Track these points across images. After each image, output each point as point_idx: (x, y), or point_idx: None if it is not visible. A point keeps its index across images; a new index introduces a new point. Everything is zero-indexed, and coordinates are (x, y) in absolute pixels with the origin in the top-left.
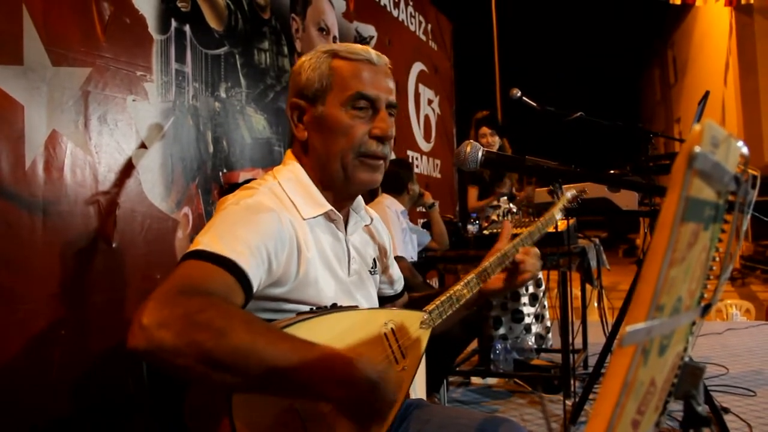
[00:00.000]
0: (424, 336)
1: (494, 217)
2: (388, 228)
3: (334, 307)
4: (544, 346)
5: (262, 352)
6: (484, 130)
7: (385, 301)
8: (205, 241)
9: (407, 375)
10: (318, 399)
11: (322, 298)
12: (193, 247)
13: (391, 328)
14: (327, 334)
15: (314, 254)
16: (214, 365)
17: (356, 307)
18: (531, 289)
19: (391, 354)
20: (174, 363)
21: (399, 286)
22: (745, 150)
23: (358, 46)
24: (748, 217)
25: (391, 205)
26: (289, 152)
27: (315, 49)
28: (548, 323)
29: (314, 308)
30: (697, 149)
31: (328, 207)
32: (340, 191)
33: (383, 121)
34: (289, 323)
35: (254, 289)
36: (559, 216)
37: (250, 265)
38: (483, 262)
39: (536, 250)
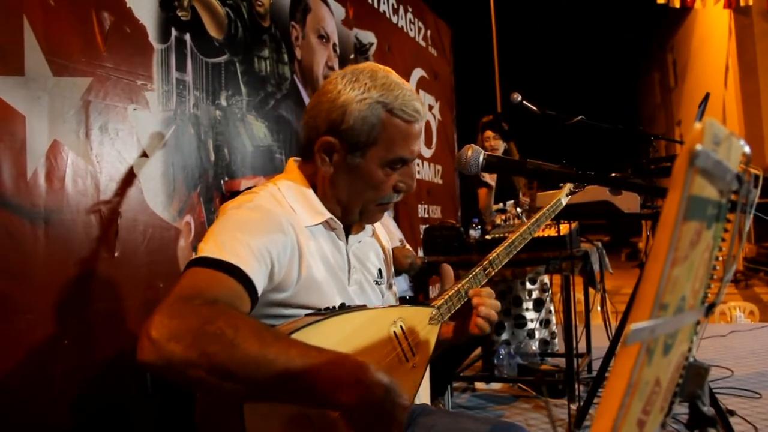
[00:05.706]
0: (434, 332)
1: (499, 221)
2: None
3: (343, 308)
4: (549, 351)
5: (273, 361)
6: (488, 133)
7: None
8: (208, 248)
9: (418, 372)
10: (330, 406)
11: (325, 302)
12: (196, 255)
13: (401, 326)
14: (337, 335)
15: (316, 259)
16: (225, 376)
17: (365, 306)
18: (536, 294)
19: (401, 352)
20: (186, 375)
21: None
22: (746, 148)
23: (413, 101)
24: (751, 216)
25: None
26: (291, 161)
27: (362, 80)
28: (554, 328)
29: (323, 309)
30: (699, 147)
31: (328, 215)
32: (348, 219)
33: (410, 178)
34: (299, 327)
35: (259, 293)
36: (564, 201)
37: (254, 270)
38: (487, 256)
39: (490, 291)
